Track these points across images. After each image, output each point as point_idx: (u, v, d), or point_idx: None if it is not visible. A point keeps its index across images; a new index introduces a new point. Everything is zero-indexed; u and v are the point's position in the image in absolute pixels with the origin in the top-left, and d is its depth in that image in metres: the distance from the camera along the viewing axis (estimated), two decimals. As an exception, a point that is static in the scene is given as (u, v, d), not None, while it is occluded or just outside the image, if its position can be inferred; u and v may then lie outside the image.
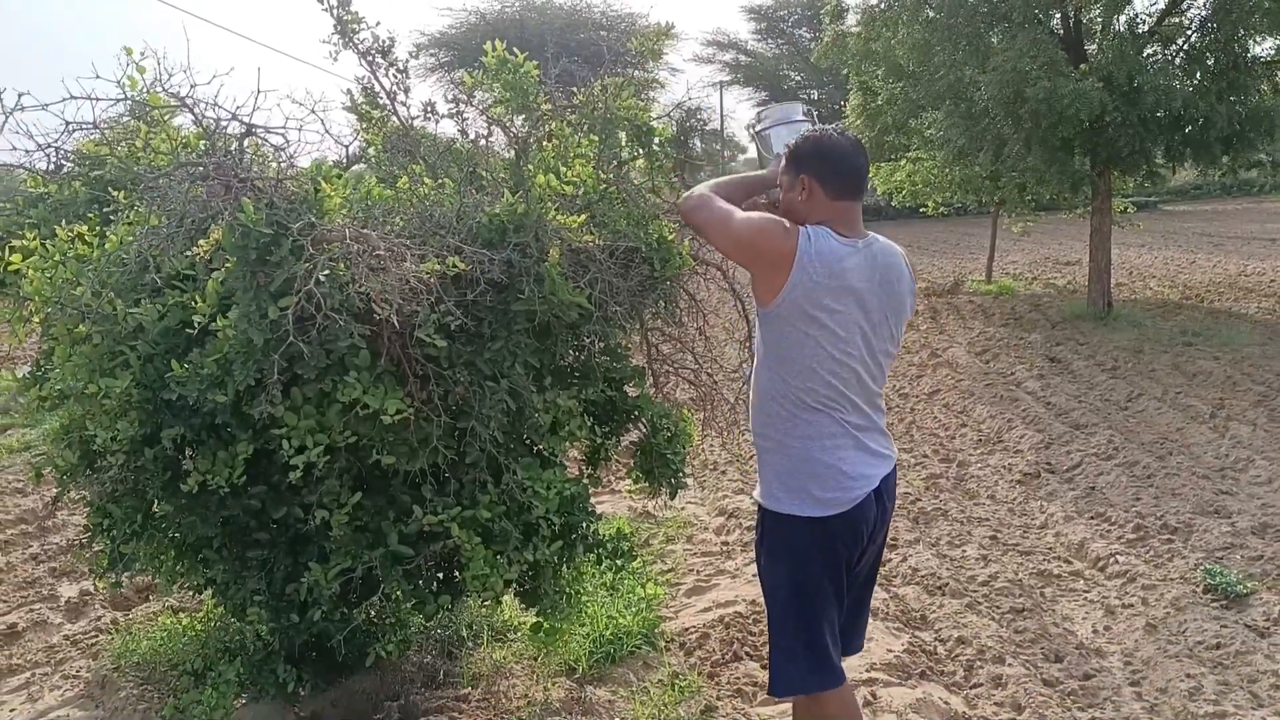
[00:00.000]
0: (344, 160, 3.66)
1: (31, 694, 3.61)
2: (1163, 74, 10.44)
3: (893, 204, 17.17)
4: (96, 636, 4.12)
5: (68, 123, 2.26)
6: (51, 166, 3.29)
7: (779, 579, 2.52)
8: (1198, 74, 10.91)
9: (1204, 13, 11.45)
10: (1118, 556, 4.84)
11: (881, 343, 2.49)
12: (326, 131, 3.23)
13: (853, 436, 2.46)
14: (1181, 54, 11.59)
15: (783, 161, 2.60)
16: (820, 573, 2.47)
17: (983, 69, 10.90)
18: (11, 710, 3.50)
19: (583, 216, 2.85)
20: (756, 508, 2.63)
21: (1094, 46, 11.86)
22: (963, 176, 14.28)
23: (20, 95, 2.64)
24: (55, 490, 2.95)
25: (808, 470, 2.43)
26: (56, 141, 2.66)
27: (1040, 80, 10.15)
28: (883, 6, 13.09)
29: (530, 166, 2.93)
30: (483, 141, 3.47)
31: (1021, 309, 13.29)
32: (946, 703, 3.55)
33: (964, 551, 5.05)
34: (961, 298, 14.92)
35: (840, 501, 2.42)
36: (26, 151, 2.68)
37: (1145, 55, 11.06)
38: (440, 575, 3.18)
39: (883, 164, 16.39)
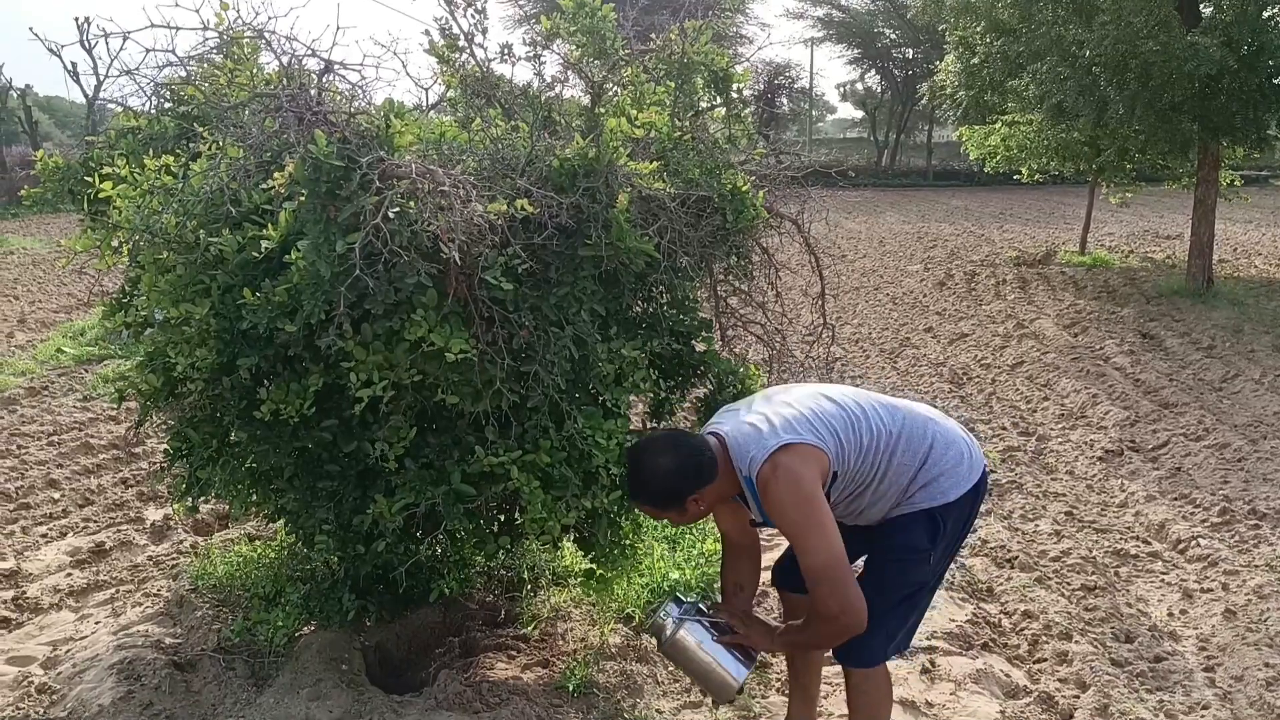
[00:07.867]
0: (423, 103, 3.67)
1: (115, 609, 3.79)
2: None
3: (985, 169, 16.55)
4: (177, 559, 4.30)
5: (148, 50, 2.30)
6: (154, 106, 3.37)
7: (928, 570, 2.57)
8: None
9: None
10: (1200, 540, 4.65)
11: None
12: (405, 71, 3.24)
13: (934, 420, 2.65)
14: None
15: (655, 510, 2.62)
16: (954, 550, 2.68)
17: (1088, 26, 10.36)
18: (96, 622, 3.68)
19: (655, 164, 2.80)
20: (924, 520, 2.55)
21: (1210, 8, 11.19)
22: (1059, 141, 13.68)
23: (126, 36, 2.70)
24: (138, 416, 3.06)
25: (949, 453, 2.54)
26: (142, 74, 2.72)
27: (1155, 36, 9.61)
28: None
29: (602, 110, 2.89)
30: (559, 87, 3.43)
31: (1115, 282, 12.77)
32: (1008, 675, 3.48)
33: (1037, 526, 4.92)
34: (1053, 268, 14.40)
35: (974, 463, 2.57)
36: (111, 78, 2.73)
37: (1266, 16, 10.38)
38: (501, 517, 3.22)
39: (977, 126, 15.80)
